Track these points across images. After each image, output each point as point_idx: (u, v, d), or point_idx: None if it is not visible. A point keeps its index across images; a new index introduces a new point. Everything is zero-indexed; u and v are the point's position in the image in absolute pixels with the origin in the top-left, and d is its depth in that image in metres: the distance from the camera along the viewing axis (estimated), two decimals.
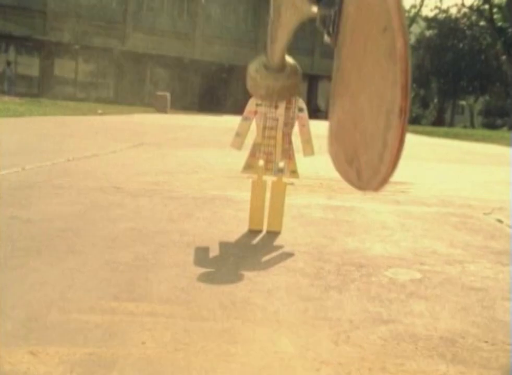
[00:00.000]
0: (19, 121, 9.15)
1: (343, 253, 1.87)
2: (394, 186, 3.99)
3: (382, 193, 3.51)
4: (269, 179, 2.15)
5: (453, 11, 61.95)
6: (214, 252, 1.79)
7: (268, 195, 2.15)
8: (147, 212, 2.36)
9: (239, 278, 1.51)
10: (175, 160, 4.72)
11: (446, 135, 17.35)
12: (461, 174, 5.26)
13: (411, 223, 2.52)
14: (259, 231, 2.12)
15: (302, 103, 2.14)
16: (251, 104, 2.13)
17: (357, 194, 3.43)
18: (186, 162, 4.59)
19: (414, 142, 11.92)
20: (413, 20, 49.61)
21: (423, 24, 49.52)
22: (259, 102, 2.12)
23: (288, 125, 2.12)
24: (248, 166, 2.15)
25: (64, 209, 2.30)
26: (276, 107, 2.11)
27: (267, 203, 2.14)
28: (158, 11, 37.13)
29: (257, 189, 2.14)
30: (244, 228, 2.15)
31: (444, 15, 49.17)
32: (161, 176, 3.57)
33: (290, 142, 2.14)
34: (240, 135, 2.14)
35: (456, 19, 48.64)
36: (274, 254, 1.82)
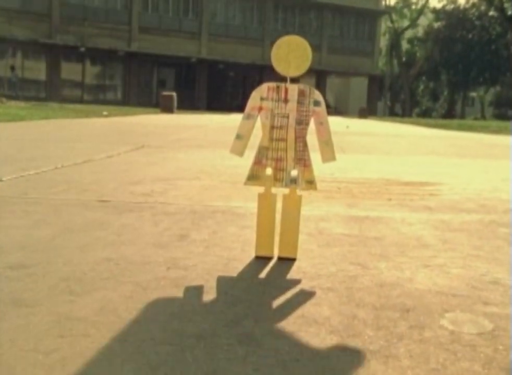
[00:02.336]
0: (16, 126, 8.76)
1: (379, 289, 1.43)
2: (421, 187, 3.53)
3: (410, 197, 3.06)
4: (280, 191, 1.71)
5: (461, 1, 61.26)
6: (209, 294, 1.35)
7: (278, 208, 1.72)
8: (132, 234, 1.93)
9: (241, 343, 1.07)
10: (176, 164, 4.29)
11: (460, 128, 16.78)
12: (491, 171, 4.77)
13: (453, 238, 2.07)
14: (269, 258, 1.68)
15: (318, 95, 1.69)
16: (254, 99, 1.68)
17: (381, 199, 2.98)
18: (188, 166, 4.16)
19: (430, 136, 11.41)
20: (420, 12, 48.93)
21: (431, 15, 48.81)
22: (265, 95, 1.67)
23: (302, 123, 1.67)
24: (254, 177, 1.69)
25: (29, 234, 1.87)
26: (286, 101, 1.66)
27: (277, 221, 1.71)
28: (164, 11, 36.73)
29: (265, 205, 1.70)
30: (250, 253, 1.71)
31: (452, 6, 48.39)
32: (158, 184, 3.14)
33: (305, 145, 1.69)
34: (241, 138, 1.69)
35: (465, 9, 47.86)
36: (289, 294, 1.38)
